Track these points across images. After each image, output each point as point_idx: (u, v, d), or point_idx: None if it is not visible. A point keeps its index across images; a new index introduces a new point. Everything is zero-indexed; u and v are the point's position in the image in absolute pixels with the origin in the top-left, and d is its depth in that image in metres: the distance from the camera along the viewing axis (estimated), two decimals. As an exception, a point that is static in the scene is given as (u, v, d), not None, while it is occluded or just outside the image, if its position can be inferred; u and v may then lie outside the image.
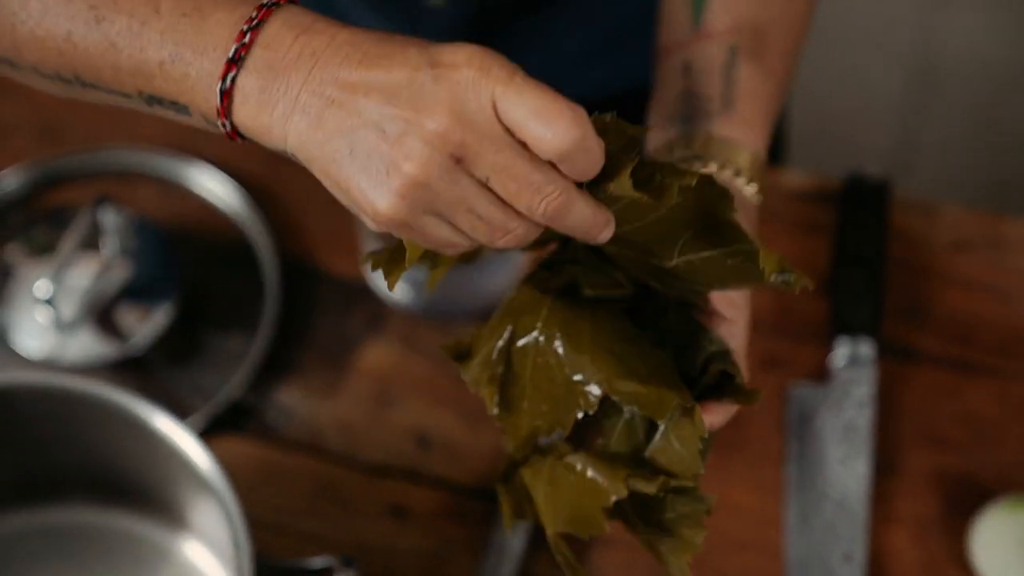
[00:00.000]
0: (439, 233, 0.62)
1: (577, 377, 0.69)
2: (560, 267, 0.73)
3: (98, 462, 0.88)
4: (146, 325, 1.01)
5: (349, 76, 0.61)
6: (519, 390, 0.70)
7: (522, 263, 1.05)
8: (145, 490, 0.89)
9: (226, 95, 0.63)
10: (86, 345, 0.99)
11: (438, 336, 1.04)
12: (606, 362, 0.69)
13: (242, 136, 0.64)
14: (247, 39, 0.62)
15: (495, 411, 0.69)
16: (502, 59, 0.59)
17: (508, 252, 1.04)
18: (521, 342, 0.70)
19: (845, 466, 0.95)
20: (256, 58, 0.62)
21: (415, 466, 0.99)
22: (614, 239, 0.63)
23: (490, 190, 0.60)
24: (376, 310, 1.05)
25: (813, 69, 1.95)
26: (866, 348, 0.99)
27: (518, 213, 0.61)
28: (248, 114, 0.63)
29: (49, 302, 0.98)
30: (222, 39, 0.63)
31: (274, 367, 1.02)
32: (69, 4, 0.66)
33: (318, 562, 0.81)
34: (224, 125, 0.64)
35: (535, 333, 0.70)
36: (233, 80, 0.62)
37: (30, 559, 0.90)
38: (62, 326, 0.99)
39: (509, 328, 0.70)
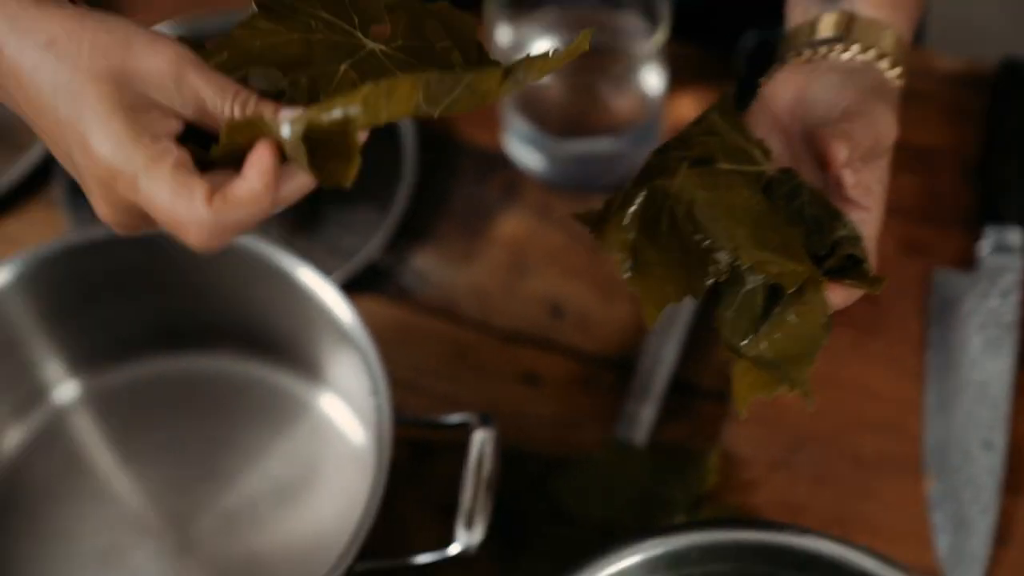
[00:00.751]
0: None
1: (708, 243, 0.69)
2: (697, 139, 0.72)
3: (243, 313, 0.90)
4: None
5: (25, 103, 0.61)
6: (651, 256, 0.70)
7: (660, 137, 1.04)
8: (286, 343, 0.90)
9: None
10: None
11: (573, 207, 1.03)
12: (738, 231, 0.69)
13: None
14: None
15: (627, 275, 0.69)
16: (126, 157, 0.58)
17: (649, 126, 1.03)
18: (655, 208, 0.70)
19: (988, 354, 0.94)
20: None
21: (548, 334, 0.99)
22: None
23: None
24: (512, 180, 1.05)
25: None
26: (1015, 236, 0.97)
27: None
28: None
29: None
30: None
31: (411, 232, 1.02)
32: None
33: (455, 418, 0.82)
34: None
35: (669, 200, 0.70)
36: None
37: (174, 402, 0.92)
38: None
39: (643, 194, 0.70)
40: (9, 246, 1.00)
